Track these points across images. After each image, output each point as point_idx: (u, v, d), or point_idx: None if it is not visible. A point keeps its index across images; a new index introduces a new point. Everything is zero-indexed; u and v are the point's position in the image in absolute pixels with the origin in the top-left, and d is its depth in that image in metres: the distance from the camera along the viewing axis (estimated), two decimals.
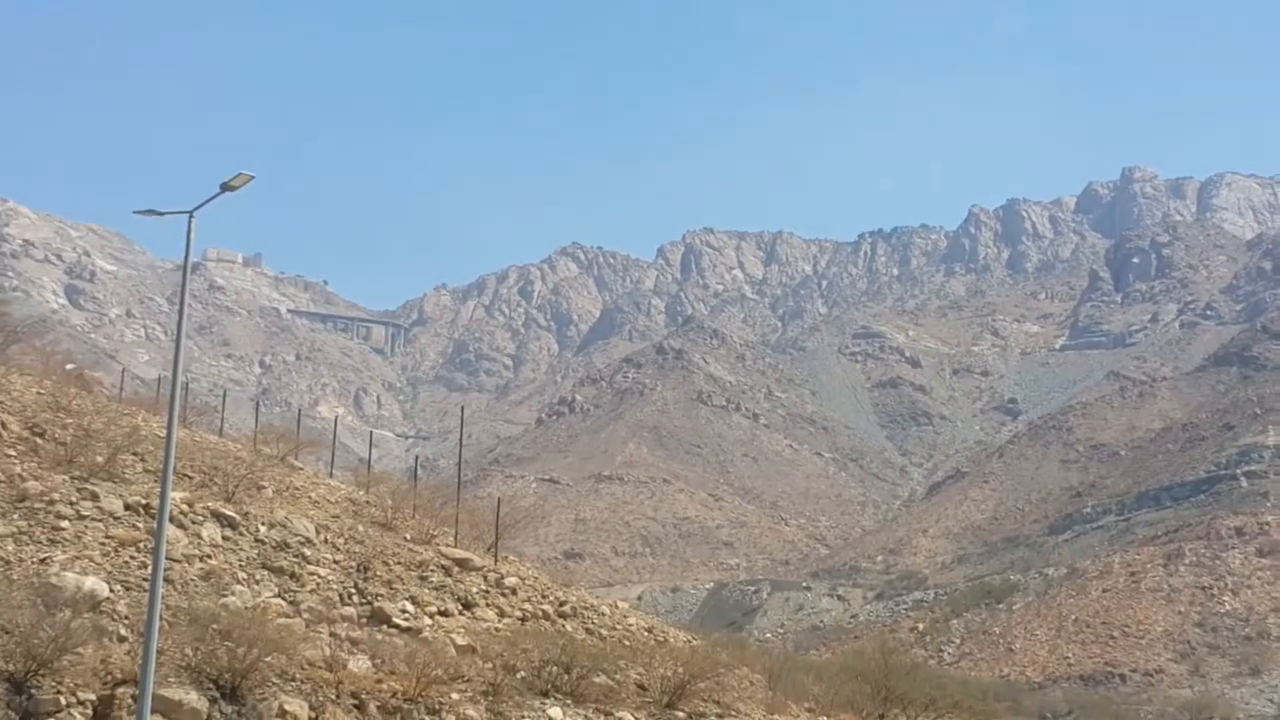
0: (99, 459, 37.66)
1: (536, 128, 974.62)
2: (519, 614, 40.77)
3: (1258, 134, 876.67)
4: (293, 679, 29.59)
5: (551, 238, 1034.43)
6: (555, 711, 33.87)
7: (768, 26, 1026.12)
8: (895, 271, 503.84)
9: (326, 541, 39.21)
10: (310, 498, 45.77)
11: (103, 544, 32.90)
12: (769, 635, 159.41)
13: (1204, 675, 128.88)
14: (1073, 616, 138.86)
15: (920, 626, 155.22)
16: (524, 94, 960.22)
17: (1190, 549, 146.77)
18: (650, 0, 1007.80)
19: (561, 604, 43.77)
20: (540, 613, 41.67)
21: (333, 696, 29.88)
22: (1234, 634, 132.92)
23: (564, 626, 41.23)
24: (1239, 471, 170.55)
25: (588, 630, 42.26)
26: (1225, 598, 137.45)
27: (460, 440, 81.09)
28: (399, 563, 39.88)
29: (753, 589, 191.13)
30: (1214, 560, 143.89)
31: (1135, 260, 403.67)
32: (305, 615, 33.94)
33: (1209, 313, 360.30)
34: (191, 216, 27.55)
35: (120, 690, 26.44)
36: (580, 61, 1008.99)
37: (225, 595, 32.70)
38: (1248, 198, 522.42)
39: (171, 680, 27.14)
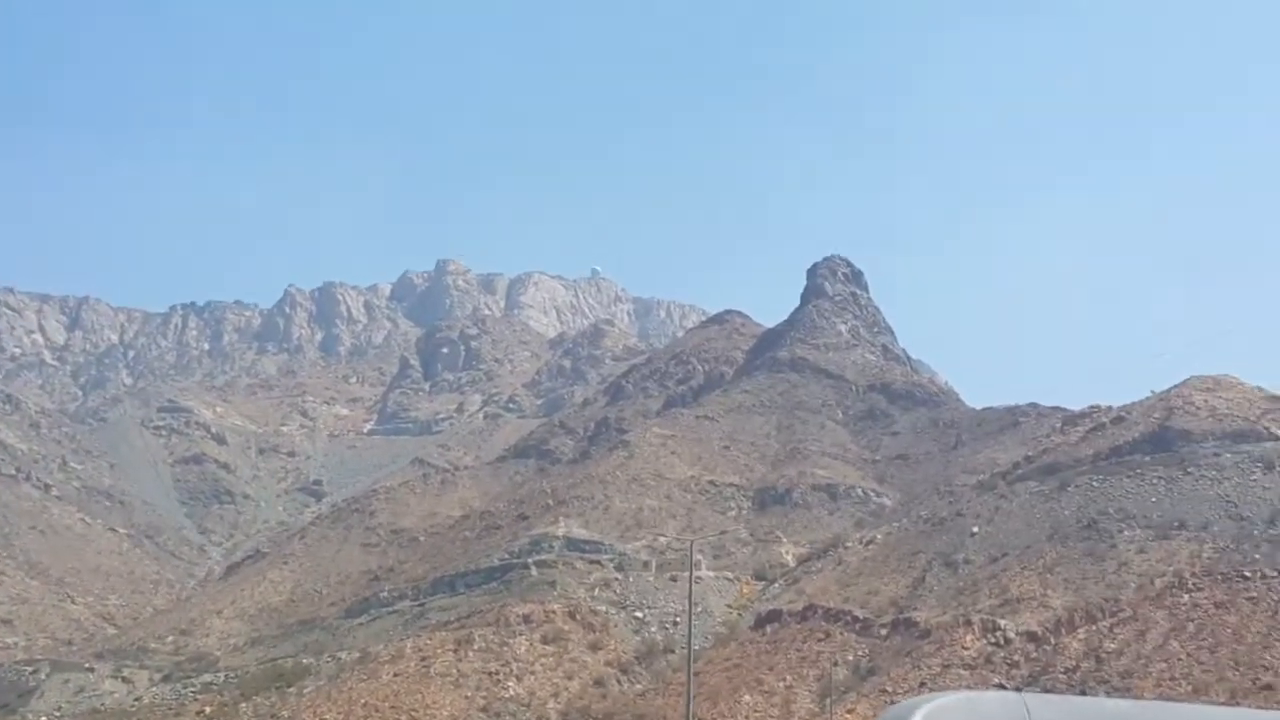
0: None
1: None
2: None
3: (563, 237, 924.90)
4: None
5: None
6: None
7: (108, 85, 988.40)
8: (206, 346, 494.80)
9: None
10: None
11: None
12: (45, 718, 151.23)
13: None
14: (363, 700, 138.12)
15: (208, 710, 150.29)
16: None
17: (480, 635, 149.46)
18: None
19: None
20: None
21: None
22: (516, 718, 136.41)
23: None
24: (530, 561, 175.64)
25: None
26: (510, 683, 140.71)
27: None
28: None
29: (30, 669, 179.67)
30: (502, 646, 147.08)
31: (445, 350, 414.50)
32: None
33: (511, 405, 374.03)
34: None
35: None
36: None
37: None
38: (552, 298, 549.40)
39: None
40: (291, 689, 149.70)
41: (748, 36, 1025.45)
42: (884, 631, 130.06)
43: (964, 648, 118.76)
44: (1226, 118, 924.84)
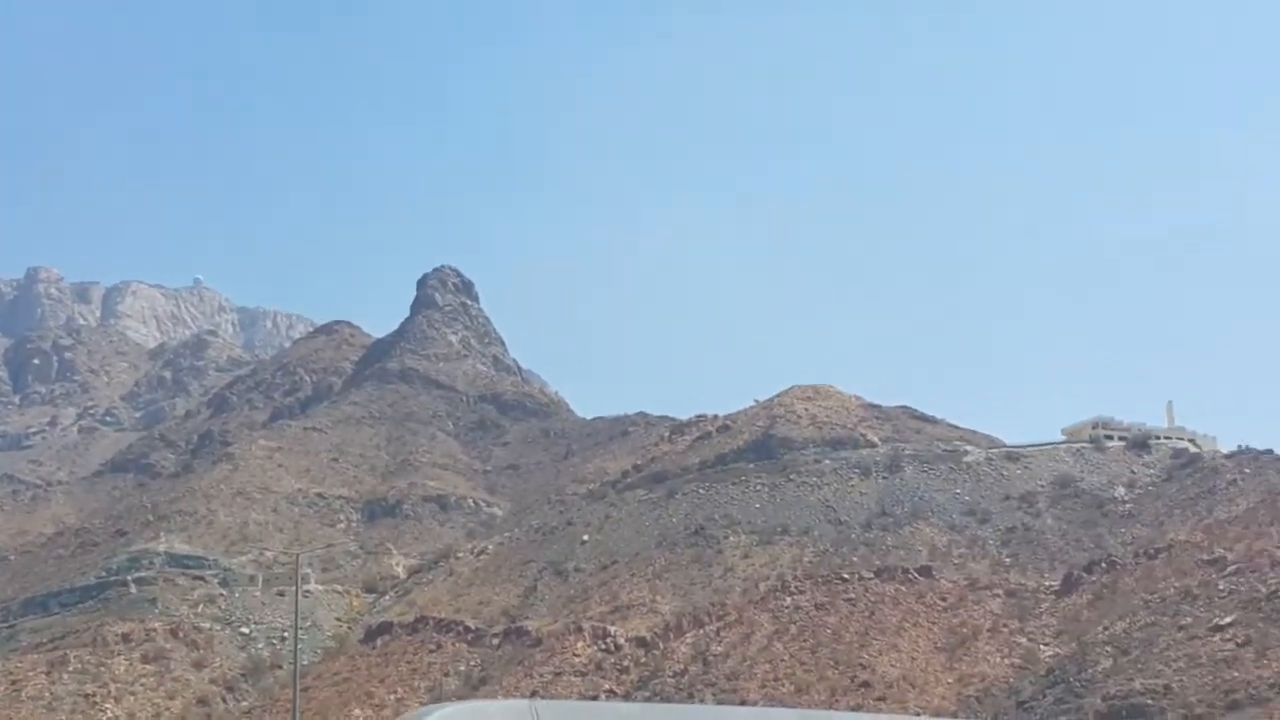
0: None
1: None
2: None
3: (163, 244, 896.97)
4: None
5: None
6: None
7: None
8: None
9: None
10: None
11: None
12: None
13: None
14: None
15: None
16: None
17: (76, 656, 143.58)
18: None
19: None
20: None
21: None
22: None
23: None
24: (130, 578, 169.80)
25: None
26: (109, 705, 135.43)
27: None
28: None
29: None
30: (99, 667, 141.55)
31: (36, 362, 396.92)
32: None
33: (109, 419, 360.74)
34: None
35: None
36: None
37: None
38: (152, 307, 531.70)
39: None
40: None
41: (363, 41, 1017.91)
42: (496, 641, 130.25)
43: (575, 655, 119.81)
44: (833, 128, 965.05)
